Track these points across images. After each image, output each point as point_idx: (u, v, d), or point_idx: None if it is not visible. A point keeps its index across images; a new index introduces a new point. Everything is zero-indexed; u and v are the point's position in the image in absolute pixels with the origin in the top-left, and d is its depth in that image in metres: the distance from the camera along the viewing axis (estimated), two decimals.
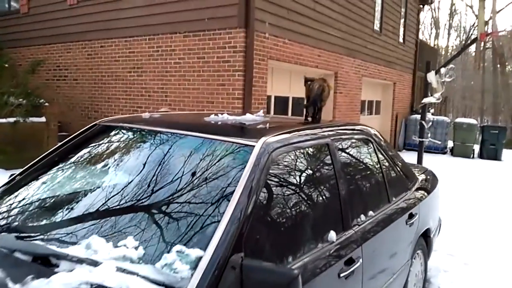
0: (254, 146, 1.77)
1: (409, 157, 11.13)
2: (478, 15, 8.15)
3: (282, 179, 1.86)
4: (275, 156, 1.81)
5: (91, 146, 2.16)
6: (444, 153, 13.68)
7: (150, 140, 2.06)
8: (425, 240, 3.24)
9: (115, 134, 2.19)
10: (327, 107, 9.52)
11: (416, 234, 2.93)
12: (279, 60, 7.39)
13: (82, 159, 2.09)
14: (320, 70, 8.97)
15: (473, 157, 13.30)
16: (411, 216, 2.82)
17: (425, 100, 8.45)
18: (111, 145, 2.12)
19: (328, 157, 2.18)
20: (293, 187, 1.92)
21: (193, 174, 1.74)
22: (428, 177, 3.75)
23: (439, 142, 12.37)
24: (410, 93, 14.86)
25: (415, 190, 3.13)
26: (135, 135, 2.13)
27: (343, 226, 2.09)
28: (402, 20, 13.45)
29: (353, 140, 2.58)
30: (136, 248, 1.43)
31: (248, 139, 1.84)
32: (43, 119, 7.28)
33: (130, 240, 1.46)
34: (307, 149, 2.07)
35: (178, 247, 1.41)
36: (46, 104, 7.38)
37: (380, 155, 2.76)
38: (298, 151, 2.00)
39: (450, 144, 13.94)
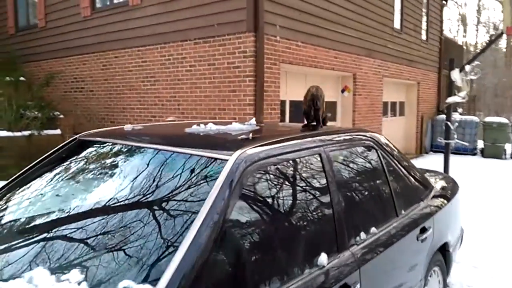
0: (227, 160, 1.57)
1: (436, 159, 10.66)
2: (503, 9, 7.67)
3: (261, 197, 1.65)
4: (253, 171, 1.60)
5: (63, 164, 2.02)
6: (474, 154, 13.04)
7: (120, 156, 1.90)
8: (443, 255, 2.94)
9: (88, 150, 2.03)
10: (346, 110, 9.27)
11: (430, 250, 2.64)
12: (292, 64, 7.17)
13: (51, 178, 1.94)
14: (337, 72, 8.70)
15: (505, 158, 12.62)
16: (423, 230, 2.54)
17: (449, 100, 8.03)
18: (80, 163, 1.97)
19: (321, 168, 1.95)
20: (274, 205, 1.70)
21: (155, 195, 1.55)
22: (447, 184, 3.44)
23: (467, 144, 11.79)
24: (436, 92, 14.30)
25: (430, 200, 2.84)
26: (106, 151, 1.97)
27: (338, 247, 1.86)
28: (425, 17, 12.97)
29: (354, 149, 2.34)
30: (79, 283, 1.25)
31: (221, 152, 1.64)
32: (58, 131, 7.32)
33: (75, 273, 1.28)
34: (293, 160, 1.84)
35: (125, 282, 1.22)
36: (61, 116, 7.41)
37: (386, 164, 2.50)
38: (282, 163, 1.78)
39: (480, 144, 13.29)
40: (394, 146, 2.80)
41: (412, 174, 2.81)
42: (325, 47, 7.94)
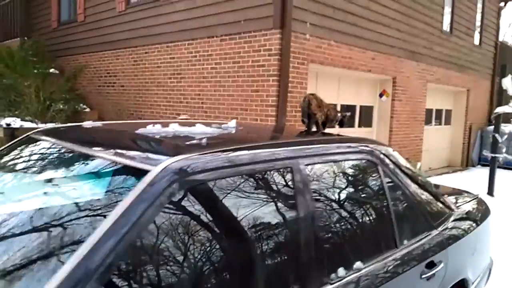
0: (149, 171, 1.24)
1: (483, 174, 9.73)
2: None
3: (193, 222, 1.30)
4: (186, 186, 1.27)
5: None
6: None
7: (43, 158, 1.62)
8: None
9: (25, 148, 1.78)
10: (383, 116, 8.66)
11: None
12: (323, 64, 6.73)
13: None
14: (374, 75, 8.14)
15: None
16: (430, 265, 2.08)
17: (499, 110, 7.27)
18: (10, 161, 1.71)
19: (289, 185, 1.58)
20: (213, 232, 1.35)
21: (58, 202, 1.25)
22: (475, 207, 2.92)
23: None
24: (488, 101, 13.20)
25: (447, 227, 2.36)
26: (36, 151, 1.70)
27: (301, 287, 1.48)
28: (479, 20, 11.99)
29: (345, 162, 1.93)
30: None
31: (146, 161, 1.32)
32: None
33: None
34: (248, 175, 1.48)
35: None
36: (87, 110, 7.40)
37: (388, 183, 2.06)
38: (232, 178, 1.43)
39: None
40: (404, 161, 2.35)
41: (425, 195, 2.34)
42: (361, 47, 7.43)
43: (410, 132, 9.30)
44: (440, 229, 2.30)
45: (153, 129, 1.80)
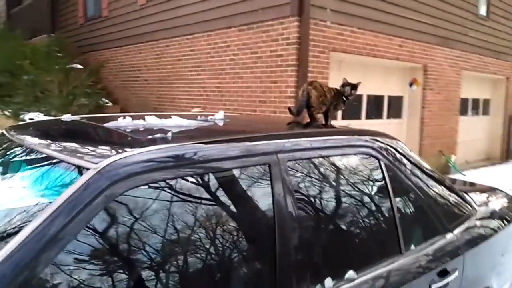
0: (88, 169, 1.08)
1: None
2: None
3: (136, 228, 1.13)
4: (130, 187, 1.09)
5: None
6: None
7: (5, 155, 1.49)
8: None
9: None
10: (414, 106, 8.21)
11: None
12: (346, 52, 6.41)
13: None
14: (403, 63, 7.72)
15: None
16: (443, 273, 1.82)
17: None
18: None
19: (266, 185, 1.37)
20: (158, 242, 1.17)
21: None
22: (505, 206, 2.61)
23: None
24: None
25: (466, 230, 2.09)
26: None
27: None
28: None
29: (339, 158, 1.70)
30: None
31: (88, 158, 1.16)
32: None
33: None
34: (211, 174, 1.29)
35: None
36: (109, 104, 7.42)
37: (392, 180, 1.81)
38: (191, 177, 1.24)
39: None
40: (415, 155, 2.09)
41: (440, 194, 2.08)
42: (387, 34, 7.03)
43: (444, 123, 8.80)
44: (456, 231, 2.03)
45: (122, 123, 1.64)
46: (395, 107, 8.32)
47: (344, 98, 2.30)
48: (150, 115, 1.80)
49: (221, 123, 1.93)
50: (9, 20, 12.11)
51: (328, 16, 6.00)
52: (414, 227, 1.86)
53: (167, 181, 1.18)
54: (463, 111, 9.90)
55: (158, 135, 1.36)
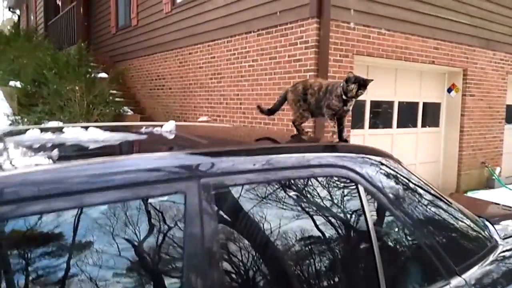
0: None
1: None
2: None
3: None
4: None
5: None
6: None
7: None
8: None
9: None
10: (453, 113, 7.53)
11: None
12: (373, 56, 5.94)
13: None
14: (439, 67, 7.11)
15: None
16: None
17: None
18: None
19: (178, 221, 1.03)
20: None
21: None
22: None
23: None
24: None
25: (479, 271, 1.63)
26: None
27: None
28: None
29: (296, 182, 1.32)
30: None
31: None
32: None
33: None
34: (94, 207, 0.96)
35: None
36: (129, 113, 7.34)
37: (373, 210, 1.41)
38: (63, 212, 0.92)
39: None
40: (412, 175, 1.66)
41: (446, 224, 1.64)
42: (420, 36, 6.48)
43: (487, 132, 8.04)
44: (467, 275, 1.58)
45: (26, 137, 1.36)
46: (432, 114, 7.68)
47: (344, 98, 1.81)
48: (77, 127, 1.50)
49: (153, 136, 1.60)
50: (46, 31, 12.51)
51: (352, 18, 5.58)
52: (404, 271, 1.44)
53: (19, 217, 0.87)
54: (510, 119, 9.03)
55: (38, 155, 1.05)
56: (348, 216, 1.38)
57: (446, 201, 1.75)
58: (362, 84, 1.76)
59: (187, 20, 7.93)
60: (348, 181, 1.41)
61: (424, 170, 7.49)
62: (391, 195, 1.48)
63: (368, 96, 6.48)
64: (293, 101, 2.08)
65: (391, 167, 1.58)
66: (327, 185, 1.38)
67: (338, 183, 1.40)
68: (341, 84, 1.80)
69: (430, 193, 1.68)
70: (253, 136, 2.05)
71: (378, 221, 1.41)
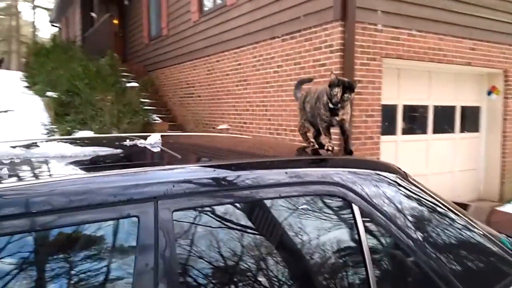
0: None
1: None
2: None
3: None
4: None
5: None
6: None
7: None
8: None
9: None
10: (494, 118, 7.07)
11: None
12: (403, 58, 5.65)
13: None
14: (477, 69, 6.70)
15: None
16: None
17: None
18: None
19: (126, 255, 0.91)
20: None
21: None
22: None
23: None
24: None
25: None
26: None
27: None
28: None
29: (281, 202, 1.17)
30: None
31: None
32: (166, 133, 7.32)
33: None
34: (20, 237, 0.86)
35: None
36: (157, 121, 7.39)
37: (371, 235, 1.24)
38: None
39: None
40: (425, 193, 1.47)
41: (459, 248, 1.43)
42: (455, 36, 6.12)
43: None
44: None
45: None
46: (470, 119, 7.24)
47: (331, 106, 1.63)
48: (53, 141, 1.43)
49: (127, 151, 1.50)
50: (82, 43, 12.95)
51: (379, 19, 5.34)
52: None
53: None
54: None
55: None
56: (338, 242, 1.22)
57: (464, 221, 1.54)
58: (348, 86, 1.57)
59: (214, 28, 7.93)
60: (340, 200, 1.25)
61: (463, 178, 7.06)
62: (393, 216, 1.29)
63: (399, 100, 6.19)
64: (298, 108, 1.94)
65: (397, 183, 1.40)
66: (314, 206, 1.22)
67: (329, 203, 1.24)
68: (327, 92, 1.62)
69: (444, 213, 1.48)
70: (241, 148, 1.90)
71: (376, 247, 1.23)
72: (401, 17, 5.51)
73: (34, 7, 36.01)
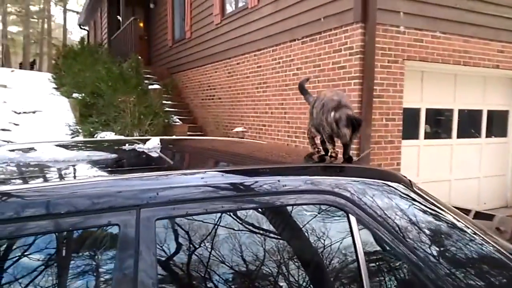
0: None
1: None
2: None
3: None
4: None
5: None
6: None
7: None
8: None
9: None
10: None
11: None
12: (426, 61, 5.50)
13: None
14: (505, 71, 6.45)
15: None
16: None
17: None
18: None
19: (106, 268, 0.89)
20: None
21: None
22: None
23: None
24: None
25: None
26: None
27: None
28: None
29: (272, 211, 1.13)
30: None
31: None
32: (174, 137, 7.38)
33: None
34: None
35: None
36: (177, 123, 7.45)
37: (369, 247, 1.18)
38: None
39: None
40: (428, 199, 1.40)
41: (466, 261, 1.35)
42: (482, 38, 5.92)
43: None
44: None
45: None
46: (498, 124, 6.98)
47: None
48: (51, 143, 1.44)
49: (122, 156, 1.48)
50: (109, 46, 13.23)
51: (401, 21, 5.21)
52: None
53: None
54: None
55: None
56: (333, 252, 1.17)
57: (472, 231, 1.45)
58: (357, 125, 1.47)
59: (235, 31, 7.95)
60: (337, 210, 1.20)
61: (489, 185, 6.81)
62: (392, 227, 1.23)
63: (423, 103, 6.02)
64: (308, 112, 1.89)
65: (399, 192, 1.34)
66: (307, 216, 1.17)
67: (324, 213, 1.19)
68: (332, 116, 1.52)
69: (450, 223, 1.40)
70: (238, 154, 1.86)
71: (374, 260, 1.18)
72: (424, 19, 5.37)
73: (66, 10, 37.11)
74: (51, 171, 1.23)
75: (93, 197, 0.92)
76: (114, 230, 0.92)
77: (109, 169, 1.34)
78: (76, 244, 0.91)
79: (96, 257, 0.91)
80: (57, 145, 1.50)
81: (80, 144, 1.51)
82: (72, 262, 0.90)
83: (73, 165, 1.29)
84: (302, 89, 2.10)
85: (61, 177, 1.07)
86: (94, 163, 1.34)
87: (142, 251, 0.92)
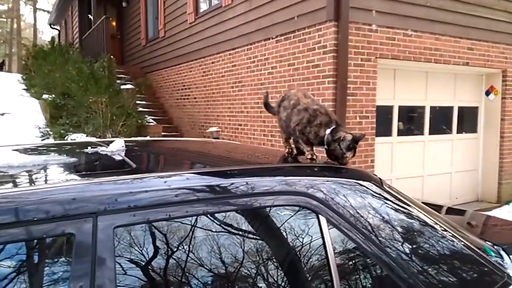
0: None
1: None
2: None
3: None
4: None
5: None
6: None
7: None
8: None
9: None
10: (491, 118, 6.98)
11: None
12: (398, 59, 5.57)
13: None
14: (475, 69, 6.61)
15: None
16: None
17: None
18: None
19: (61, 278, 0.84)
20: None
21: None
22: None
23: None
24: None
25: None
26: None
27: None
28: None
29: (238, 214, 1.09)
30: None
31: None
32: (146, 138, 7.24)
33: None
34: None
35: None
36: (151, 123, 7.32)
37: (339, 248, 1.16)
38: None
39: None
40: (399, 198, 1.39)
41: (437, 257, 1.35)
42: (452, 36, 6.04)
43: None
44: None
45: None
46: (468, 119, 7.14)
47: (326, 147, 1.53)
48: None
49: (83, 160, 1.42)
50: (81, 46, 12.91)
51: (373, 19, 5.26)
52: None
53: None
54: None
55: None
56: (303, 254, 1.14)
57: (442, 228, 1.45)
58: (356, 142, 1.46)
59: (209, 29, 7.87)
60: (306, 211, 1.17)
61: (460, 180, 6.97)
62: (362, 226, 1.22)
63: (395, 100, 6.10)
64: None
65: (369, 191, 1.32)
66: (276, 217, 1.14)
67: (293, 214, 1.16)
68: (331, 132, 1.46)
69: (420, 220, 1.39)
70: (207, 155, 1.81)
71: (345, 260, 1.16)
72: (396, 17, 5.43)
73: (36, 9, 36.06)
74: (2, 178, 1.16)
75: (46, 205, 0.86)
76: (69, 239, 0.86)
77: (66, 174, 1.27)
78: (29, 255, 0.85)
79: (50, 269, 0.85)
80: (14, 150, 1.42)
81: (41, 148, 1.43)
82: (22, 275, 0.84)
83: (28, 171, 1.22)
84: (268, 106, 2.05)
85: (13, 183, 1.00)
86: (51, 168, 1.26)
87: (100, 261, 0.86)
